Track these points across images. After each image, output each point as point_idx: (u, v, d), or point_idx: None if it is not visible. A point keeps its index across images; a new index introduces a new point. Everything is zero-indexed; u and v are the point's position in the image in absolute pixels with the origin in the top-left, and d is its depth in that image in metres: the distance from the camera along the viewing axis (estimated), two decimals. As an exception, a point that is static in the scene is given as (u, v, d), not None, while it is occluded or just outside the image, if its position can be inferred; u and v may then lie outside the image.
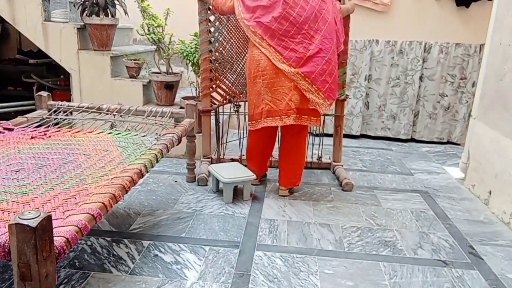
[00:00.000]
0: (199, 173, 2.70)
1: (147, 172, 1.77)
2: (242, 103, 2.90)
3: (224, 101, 2.86)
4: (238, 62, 2.84)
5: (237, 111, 2.89)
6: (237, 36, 2.79)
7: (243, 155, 2.92)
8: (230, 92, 2.85)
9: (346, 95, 2.96)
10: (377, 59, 3.77)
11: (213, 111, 2.84)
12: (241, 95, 2.88)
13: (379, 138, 3.95)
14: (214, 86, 2.80)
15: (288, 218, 2.28)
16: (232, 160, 2.94)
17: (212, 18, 2.72)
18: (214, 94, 2.83)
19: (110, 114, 2.50)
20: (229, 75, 2.83)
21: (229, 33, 2.77)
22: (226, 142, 3.03)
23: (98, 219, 1.32)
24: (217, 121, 2.89)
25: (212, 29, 2.73)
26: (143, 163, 1.75)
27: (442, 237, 2.15)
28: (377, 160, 3.35)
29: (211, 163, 2.88)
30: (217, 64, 2.77)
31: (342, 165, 2.96)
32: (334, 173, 2.94)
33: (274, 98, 2.31)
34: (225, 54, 2.79)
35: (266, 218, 2.27)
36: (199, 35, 2.80)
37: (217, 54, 2.76)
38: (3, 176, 1.61)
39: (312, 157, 3.03)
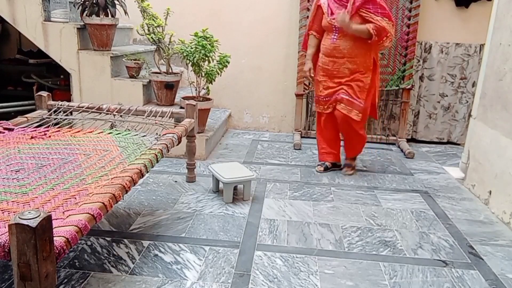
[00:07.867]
0: (295, 141, 3.58)
1: (147, 172, 1.77)
2: None
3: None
4: None
5: None
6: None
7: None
8: None
9: (412, 85, 3.67)
10: (377, 59, 3.78)
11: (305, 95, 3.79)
12: None
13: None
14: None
15: (288, 218, 2.28)
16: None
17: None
18: (307, 82, 3.71)
19: (110, 114, 2.50)
20: None
21: None
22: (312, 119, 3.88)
23: (98, 219, 1.32)
24: (307, 102, 3.86)
25: None
26: (143, 163, 1.75)
27: (442, 237, 2.15)
28: (377, 160, 3.35)
29: (301, 136, 3.79)
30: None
31: (405, 140, 3.70)
32: (398, 146, 3.68)
33: None
34: None
35: (266, 218, 2.27)
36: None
37: None
38: (3, 176, 1.61)
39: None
